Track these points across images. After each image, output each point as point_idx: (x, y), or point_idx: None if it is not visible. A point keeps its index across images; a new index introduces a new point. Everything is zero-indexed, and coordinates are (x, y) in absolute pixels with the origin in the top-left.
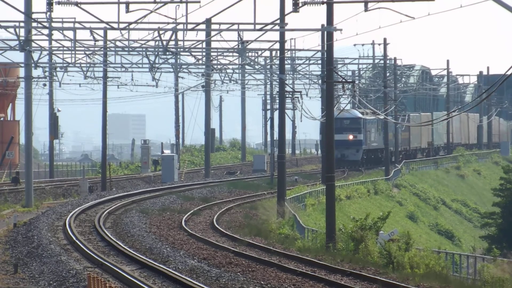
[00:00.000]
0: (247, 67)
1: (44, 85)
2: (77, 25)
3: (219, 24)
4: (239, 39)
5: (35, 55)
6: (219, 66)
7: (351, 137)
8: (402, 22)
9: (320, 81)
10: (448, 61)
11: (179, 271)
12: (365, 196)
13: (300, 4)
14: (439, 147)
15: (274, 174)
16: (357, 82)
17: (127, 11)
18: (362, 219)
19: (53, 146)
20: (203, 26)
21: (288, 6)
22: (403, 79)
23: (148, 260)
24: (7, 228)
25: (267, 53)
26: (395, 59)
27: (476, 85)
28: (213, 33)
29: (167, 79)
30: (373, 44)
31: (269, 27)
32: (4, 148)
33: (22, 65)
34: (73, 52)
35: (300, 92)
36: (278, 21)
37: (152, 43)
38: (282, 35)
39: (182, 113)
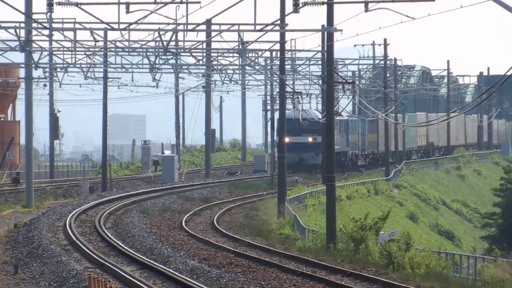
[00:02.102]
0: (247, 67)
1: (45, 85)
2: (77, 25)
3: (220, 24)
4: (240, 39)
5: (36, 56)
6: (219, 67)
7: (310, 139)
8: (402, 23)
9: (320, 81)
10: (448, 61)
11: (179, 271)
12: (365, 197)
13: (301, 5)
14: (412, 151)
15: (275, 175)
16: (357, 82)
17: (128, 11)
18: (362, 219)
19: (54, 146)
20: (203, 27)
21: (289, 7)
22: (404, 79)
23: (149, 260)
24: (7, 229)
25: (267, 54)
26: (395, 59)
27: (477, 86)
28: (213, 33)
29: (167, 79)
30: (373, 44)
31: (269, 27)
32: (4, 149)
33: (23, 65)
34: (73, 52)
35: (300, 92)
36: (278, 22)
37: (152, 43)
38: (282, 36)
39: (183, 113)
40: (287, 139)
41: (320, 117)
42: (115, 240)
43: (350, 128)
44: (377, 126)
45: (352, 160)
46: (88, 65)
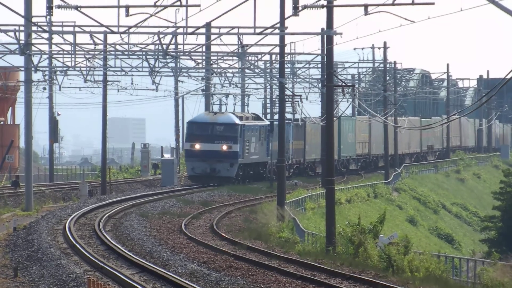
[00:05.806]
0: (247, 71)
1: (44, 88)
2: (77, 29)
3: (219, 28)
4: (239, 43)
5: (35, 59)
6: (219, 70)
7: (224, 147)
8: (402, 26)
9: (320, 84)
10: (448, 64)
11: (179, 274)
12: (365, 200)
13: (300, 8)
14: (349, 159)
15: (274, 178)
16: (357, 86)
17: (127, 15)
18: (357, 223)
19: (53, 149)
20: (203, 30)
21: (288, 10)
22: (403, 83)
23: (148, 263)
24: (7, 232)
25: (267, 57)
26: (395, 62)
27: (476, 89)
28: (213, 37)
29: (167, 83)
30: (373, 47)
31: (269, 31)
32: (4, 152)
33: (22, 69)
34: (73, 56)
35: (300, 96)
36: (278, 25)
37: (152, 47)
38: (282, 39)
39: (182, 117)
40: (197, 146)
41: (237, 121)
42: (114, 243)
43: (272, 135)
44: (304, 132)
45: (274, 171)
46: (88, 68)
